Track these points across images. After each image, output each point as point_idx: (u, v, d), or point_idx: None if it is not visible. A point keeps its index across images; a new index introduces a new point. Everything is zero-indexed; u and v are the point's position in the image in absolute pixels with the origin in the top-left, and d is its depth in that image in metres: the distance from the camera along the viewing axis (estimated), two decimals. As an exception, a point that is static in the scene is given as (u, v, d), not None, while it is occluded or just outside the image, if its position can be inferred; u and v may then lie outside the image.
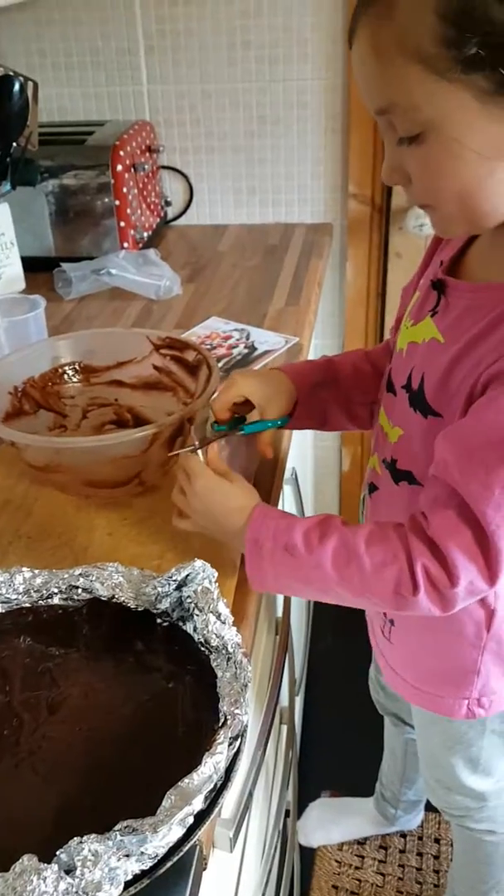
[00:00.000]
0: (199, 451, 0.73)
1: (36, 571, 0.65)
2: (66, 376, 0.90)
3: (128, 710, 0.60)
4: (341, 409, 0.88)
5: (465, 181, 0.59)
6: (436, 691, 0.86)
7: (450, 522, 0.62)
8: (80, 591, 0.64)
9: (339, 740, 1.60)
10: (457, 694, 0.84)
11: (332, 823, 1.45)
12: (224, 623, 0.59)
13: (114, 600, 0.63)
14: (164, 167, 1.59)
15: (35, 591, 0.65)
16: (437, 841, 1.44)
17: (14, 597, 0.65)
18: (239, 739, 0.53)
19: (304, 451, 1.58)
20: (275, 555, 0.67)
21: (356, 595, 0.66)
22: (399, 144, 0.60)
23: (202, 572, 0.61)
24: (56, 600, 0.65)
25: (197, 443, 0.74)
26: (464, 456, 0.61)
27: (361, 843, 1.44)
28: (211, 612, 0.59)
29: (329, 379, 0.87)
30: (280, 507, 1.00)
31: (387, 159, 0.63)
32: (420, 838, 1.44)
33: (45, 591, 0.65)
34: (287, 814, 1.24)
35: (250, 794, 0.74)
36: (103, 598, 0.64)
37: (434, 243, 0.79)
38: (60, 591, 0.65)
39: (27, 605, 0.65)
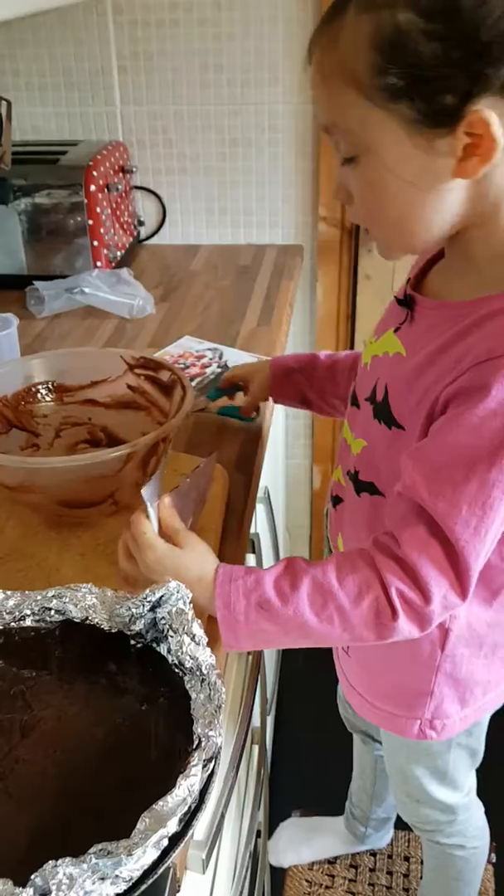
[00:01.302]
0: (151, 511, 0.69)
1: (8, 593, 0.65)
2: (39, 395, 0.90)
3: (101, 732, 0.59)
4: (316, 395, 0.95)
5: (397, 206, 0.63)
6: (390, 709, 0.87)
7: (419, 539, 0.63)
8: (52, 612, 0.64)
9: (310, 760, 1.60)
10: (409, 714, 0.85)
11: (303, 843, 1.45)
12: (198, 644, 0.59)
13: (87, 622, 0.63)
14: (137, 187, 1.60)
15: (7, 613, 0.64)
16: (406, 859, 1.44)
17: (-14, 619, 0.64)
18: (213, 761, 0.53)
19: (275, 469, 1.59)
20: (249, 614, 0.66)
21: (339, 633, 0.65)
22: (342, 164, 0.64)
23: (176, 593, 0.61)
24: (28, 622, 0.64)
25: (148, 504, 0.69)
26: (430, 475, 0.62)
27: (332, 862, 1.44)
28: (185, 633, 0.59)
29: (306, 367, 0.95)
30: (252, 526, 1.01)
31: (335, 177, 0.67)
32: (390, 856, 1.44)
33: (17, 613, 0.64)
34: (258, 834, 1.24)
35: (222, 816, 0.74)
36: (76, 620, 0.63)
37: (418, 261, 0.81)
38: (33, 613, 0.64)
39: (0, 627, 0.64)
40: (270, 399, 0.99)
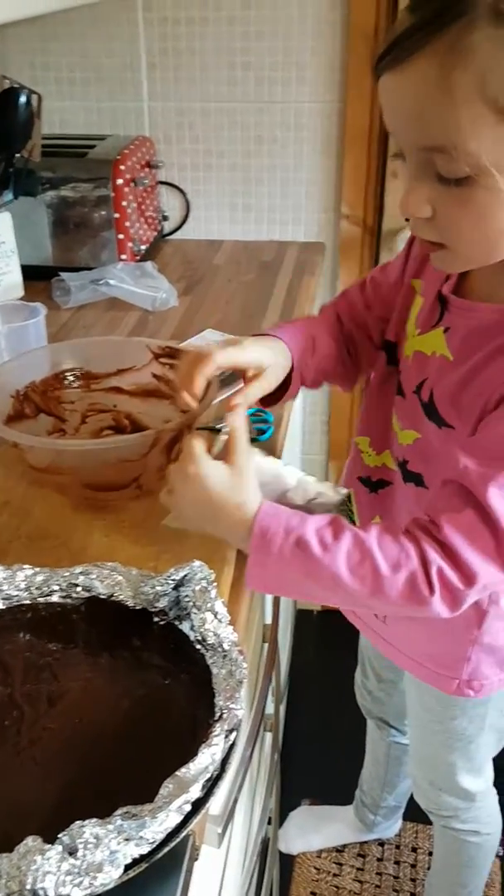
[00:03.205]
0: (224, 428, 0.68)
1: (37, 569, 0.67)
2: (66, 382, 0.92)
3: (125, 704, 0.62)
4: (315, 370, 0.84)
5: (501, 226, 0.61)
6: (431, 664, 0.88)
7: (465, 524, 0.63)
8: (79, 588, 0.66)
9: (320, 750, 1.62)
10: (448, 675, 0.87)
11: (312, 831, 1.47)
12: (221, 622, 0.61)
13: (112, 598, 0.65)
14: (162, 182, 1.62)
15: (36, 589, 0.67)
16: (414, 850, 1.46)
17: (15, 593, 0.66)
18: (234, 732, 0.55)
19: (291, 463, 1.61)
20: (284, 550, 0.64)
21: (367, 596, 0.65)
22: (438, 181, 0.60)
23: (200, 572, 0.64)
24: (55, 598, 0.67)
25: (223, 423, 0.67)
26: (482, 462, 0.63)
27: (340, 850, 1.46)
28: (208, 610, 0.61)
29: (309, 346, 0.84)
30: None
31: (411, 191, 0.62)
32: (398, 847, 1.46)
33: (45, 589, 0.66)
34: (269, 821, 1.26)
35: (236, 799, 0.76)
36: (102, 596, 0.66)
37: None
38: (61, 589, 0.66)
39: (27, 601, 0.66)
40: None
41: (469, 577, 0.63)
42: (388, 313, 0.84)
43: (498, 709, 0.93)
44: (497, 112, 0.54)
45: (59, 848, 0.46)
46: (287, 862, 1.44)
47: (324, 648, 1.88)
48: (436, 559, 0.63)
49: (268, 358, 0.77)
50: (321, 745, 1.62)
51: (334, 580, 0.65)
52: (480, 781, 1.02)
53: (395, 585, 0.64)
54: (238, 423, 0.68)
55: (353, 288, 0.91)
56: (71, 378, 0.92)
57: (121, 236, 1.40)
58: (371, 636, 0.97)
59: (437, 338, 0.73)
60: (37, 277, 1.41)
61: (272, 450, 0.96)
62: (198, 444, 0.67)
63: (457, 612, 0.65)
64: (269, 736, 1.19)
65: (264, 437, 0.97)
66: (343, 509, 0.74)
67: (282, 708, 1.49)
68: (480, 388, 0.66)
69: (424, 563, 0.63)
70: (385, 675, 1.16)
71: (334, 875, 1.42)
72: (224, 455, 0.68)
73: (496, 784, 1.10)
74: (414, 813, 1.16)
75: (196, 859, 0.57)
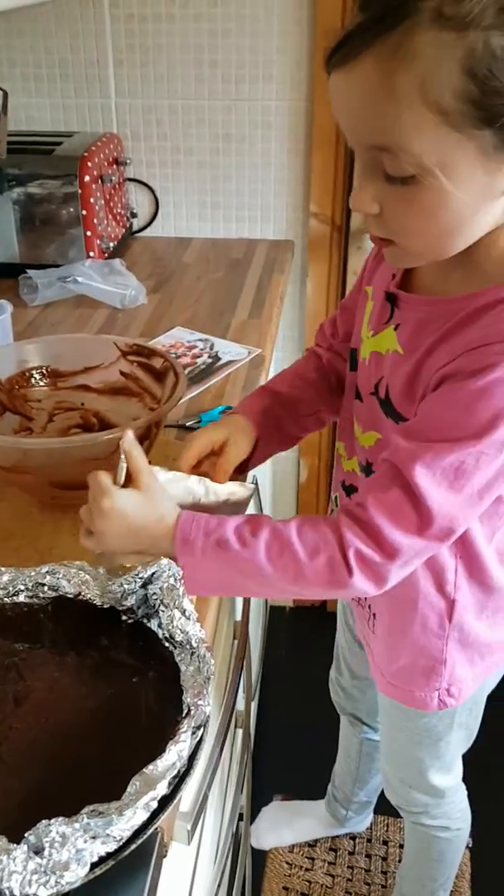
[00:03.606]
0: (122, 462, 0.69)
1: (3, 569, 0.67)
2: (33, 380, 0.91)
3: (92, 703, 0.61)
4: (293, 422, 0.89)
5: (447, 223, 0.62)
6: (409, 687, 0.89)
7: (392, 503, 0.64)
8: (46, 588, 0.66)
9: (292, 746, 1.63)
10: (427, 686, 0.88)
11: (284, 826, 1.48)
12: (189, 619, 0.61)
13: (80, 597, 0.65)
14: (130, 179, 1.61)
15: (1, 589, 0.66)
16: (385, 843, 1.47)
17: (-19, 594, 0.66)
18: (202, 729, 0.55)
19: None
20: (206, 551, 0.67)
21: (292, 583, 0.67)
22: (384, 180, 0.61)
23: (168, 570, 0.64)
24: (22, 598, 0.66)
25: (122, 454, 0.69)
26: (414, 441, 0.65)
27: (312, 845, 1.47)
28: (176, 608, 0.62)
29: (273, 402, 0.87)
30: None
31: (360, 188, 0.63)
32: (369, 840, 1.47)
33: (11, 589, 0.66)
34: (240, 817, 1.26)
35: (206, 794, 0.76)
36: (69, 596, 0.65)
37: (376, 252, 0.82)
38: (27, 588, 0.66)
39: (-7, 602, 0.66)
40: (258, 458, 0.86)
41: (391, 553, 0.65)
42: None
43: (467, 707, 0.94)
44: (439, 114, 0.55)
45: (25, 847, 0.46)
46: (259, 857, 1.45)
47: (297, 644, 1.89)
48: (353, 541, 0.65)
49: (223, 436, 0.80)
50: (294, 741, 1.63)
51: (259, 573, 0.67)
52: (450, 778, 1.03)
53: (315, 570, 0.66)
54: (131, 448, 0.69)
55: (327, 320, 0.95)
56: (37, 376, 0.92)
57: (88, 233, 1.40)
58: (369, 655, 0.97)
59: (389, 336, 0.74)
60: (3, 275, 1.40)
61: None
62: (104, 478, 0.68)
63: (384, 587, 0.67)
64: (240, 732, 1.19)
65: None
66: (254, 503, 0.77)
67: (254, 704, 1.50)
68: (427, 377, 0.68)
69: (342, 546, 0.65)
70: (360, 672, 1.17)
71: (306, 869, 1.43)
72: (129, 481, 0.69)
73: (465, 780, 1.12)
74: (385, 806, 1.17)
75: (164, 856, 0.57)
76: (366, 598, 0.91)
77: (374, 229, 0.66)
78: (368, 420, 0.79)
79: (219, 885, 1.04)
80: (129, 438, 0.69)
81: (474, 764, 1.12)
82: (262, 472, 1.62)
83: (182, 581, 0.64)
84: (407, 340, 0.72)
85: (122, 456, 0.69)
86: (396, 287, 0.75)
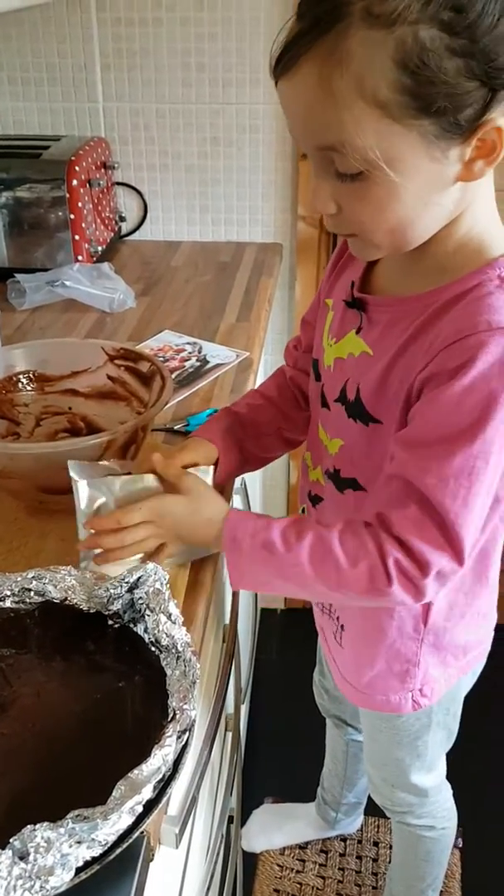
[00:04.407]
0: (81, 486, 0.73)
1: (-12, 574, 0.67)
2: (20, 384, 0.91)
3: (79, 707, 0.62)
4: (254, 442, 0.88)
5: (400, 216, 0.64)
6: (383, 693, 0.90)
7: (411, 519, 0.65)
8: (32, 593, 0.66)
9: (283, 749, 1.63)
10: (401, 688, 0.88)
11: (275, 829, 1.48)
12: (174, 623, 0.62)
13: (66, 602, 0.65)
14: (118, 183, 1.62)
15: (-12, 594, 0.66)
16: (375, 844, 1.47)
17: (-33, 599, 0.66)
18: (187, 733, 0.56)
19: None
20: (253, 553, 0.69)
21: (333, 590, 0.69)
22: (337, 178, 0.63)
23: (154, 575, 0.64)
24: (8, 603, 0.66)
25: (77, 478, 0.72)
26: (416, 453, 0.65)
27: (303, 847, 1.47)
28: (162, 612, 0.62)
29: (233, 422, 0.88)
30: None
31: (317, 189, 0.65)
32: (359, 842, 1.48)
33: (-3, 594, 0.66)
34: (231, 820, 1.26)
35: (195, 796, 0.76)
36: (56, 601, 0.66)
37: (332, 266, 0.84)
38: (13, 594, 0.66)
39: (-21, 607, 0.66)
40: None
41: (423, 566, 0.66)
42: None
43: (444, 706, 0.95)
44: (378, 107, 0.57)
45: (10, 853, 0.46)
46: (250, 859, 1.45)
47: (287, 647, 1.89)
48: (392, 551, 0.66)
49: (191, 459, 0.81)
50: (284, 744, 1.63)
51: (301, 577, 0.69)
52: (432, 777, 1.04)
53: (357, 579, 0.67)
54: (164, 465, 0.75)
55: (293, 338, 0.96)
56: (24, 381, 0.92)
57: (77, 237, 1.40)
58: (332, 668, 0.98)
59: (351, 340, 0.75)
60: (-10, 279, 1.40)
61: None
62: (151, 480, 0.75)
63: (422, 600, 0.68)
64: (230, 735, 1.19)
65: None
66: (241, 501, 0.80)
67: (245, 707, 1.50)
68: (401, 377, 0.69)
69: (382, 555, 0.66)
70: None
71: (297, 872, 1.43)
72: (170, 488, 0.75)
73: (453, 779, 1.12)
74: (375, 808, 1.18)
75: (151, 860, 0.57)
76: (333, 609, 0.91)
77: (336, 227, 0.68)
78: (334, 427, 0.79)
79: (209, 888, 1.04)
80: (157, 459, 0.75)
81: (461, 763, 1.13)
82: (253, 474, 1.62)
83: (167, 586, 0.64)
84: (376, 341, 0.72)
85: (73, 482, 0.72)
86: (359, 292, 0.76)
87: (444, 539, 0.65)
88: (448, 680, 0.90)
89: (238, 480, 1.18)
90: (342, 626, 0.90)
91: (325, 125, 0.60)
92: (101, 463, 0.75)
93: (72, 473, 0.72)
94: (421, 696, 0.89)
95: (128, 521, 0.72)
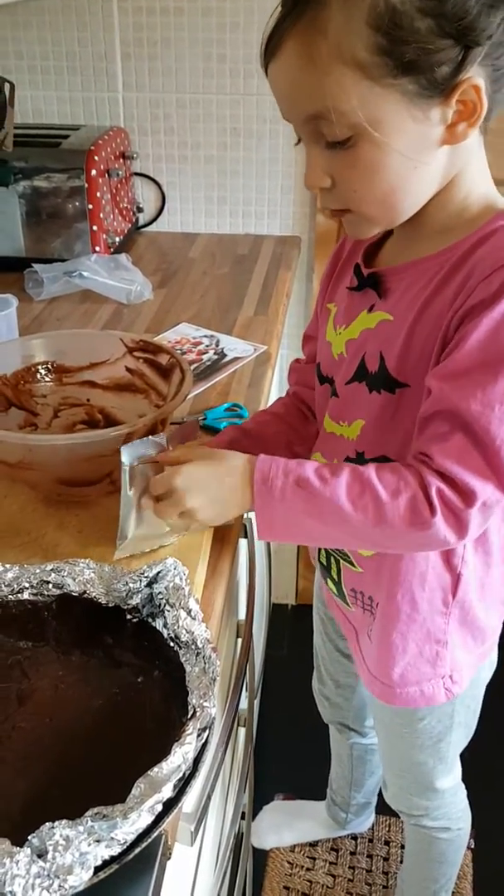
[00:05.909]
0: (125, 469, 0.70)
1: (7, 566, 0.66)
2: (38, 375, 0.90)
3: (97, 702, 0.61)
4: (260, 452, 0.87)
5: (390, 180, 0.65)
6: (416, 683, 0.88)
7: (455, 448, 0.64)
8: (50, 586, 0.65)
9: (293, 745, 1.62)
10: (433, 675, 0.87)
11: (285, 826, 1.47)
12: (194, 619, 0.61)
13: (84, 595, 0.65)
14: (137, 174, 1.60)
15: (6, 586, 0.65)
16: (386, 843, 1.46)
17: (-16, 591, 0.65)
18: (207, 731, 0.55)
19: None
20: (286, 491, 0.67)
21: (371, 525, 0.66)
22: (327, 149, 0.65)
23: (174, 569, 0.63)
24: (26, 595, 0.66)
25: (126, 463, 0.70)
26: (459, 382, 0.64)
27: (313, 844, 1.46)
28: (182, 608, 0.61)
29: (241, 436, 0.87)
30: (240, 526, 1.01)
31: (310, 165, 0.67)
32: (370, 840, 1.47)
33: (15, 586, 0.65)
34: (242, 816, 1.26)
35: (209, 795, 0.76)
36: (74, 594, 0.65)
37: (328, 275, 0.84)
38: (31, 586, 0.65)
39: (-3, 599, 0.66)
40: None
41: (467, 496, 0.64)
42: None
43: (465, 704, 0.94)
44: (357, 69, 0.60)
45: (28, 851, 0.45)
46: (260, 856, 1.44)
47: (298, 642, 1.88)
48: (434, 481, 0.64)
49: None
50: (295, 739, 1.62)
51: (338, 514, 0.66)
52: (451, 778, 1.03)
53: (397, 511, 0.65)
54: (171, 456, 0.73)
55: (294, 360, 0.96)
56: (43, 371, 0.91)
57: (94, 228, 1.39)
58: (362, 671, 0.95)
59: (363, 319, 0.75)
60: (9, 269, 1.39)
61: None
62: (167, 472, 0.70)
63: (465, 535, 0.66)
64: (242, 731, 1.19)
65: None
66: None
67: (256, 702, 1.49)
68: (429, 331, 0.68)
69: (423, 486, 0.64)
70: (342, 680, 1.16)
71: (307, 869, 1.43)
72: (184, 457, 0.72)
73: (466, 780, 1.11)
74: (386, 806, 1.17)
75: (168, 858, 0.56)
76: (365, 595, 0.88)
77: (330, 202, 0.69)
78: (351, 411, 0.78)
79: (220, 885, 1.04)
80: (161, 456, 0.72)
81: (474, 764, 1.11)
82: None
83: (188, 581, 0.63)
84: (394, 306, 0.72)
85: (122, 467, 0.70)
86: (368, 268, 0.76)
87: (489, 467, 0.63)
88: (471, 666, 0.89)
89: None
90: (375, 604, 0.86)
91: (309, 94, 0.62)
92: (150, 438, 0.73)
93: (123, 458, 0.70)
94: (452, 683, 0.87)
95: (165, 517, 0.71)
